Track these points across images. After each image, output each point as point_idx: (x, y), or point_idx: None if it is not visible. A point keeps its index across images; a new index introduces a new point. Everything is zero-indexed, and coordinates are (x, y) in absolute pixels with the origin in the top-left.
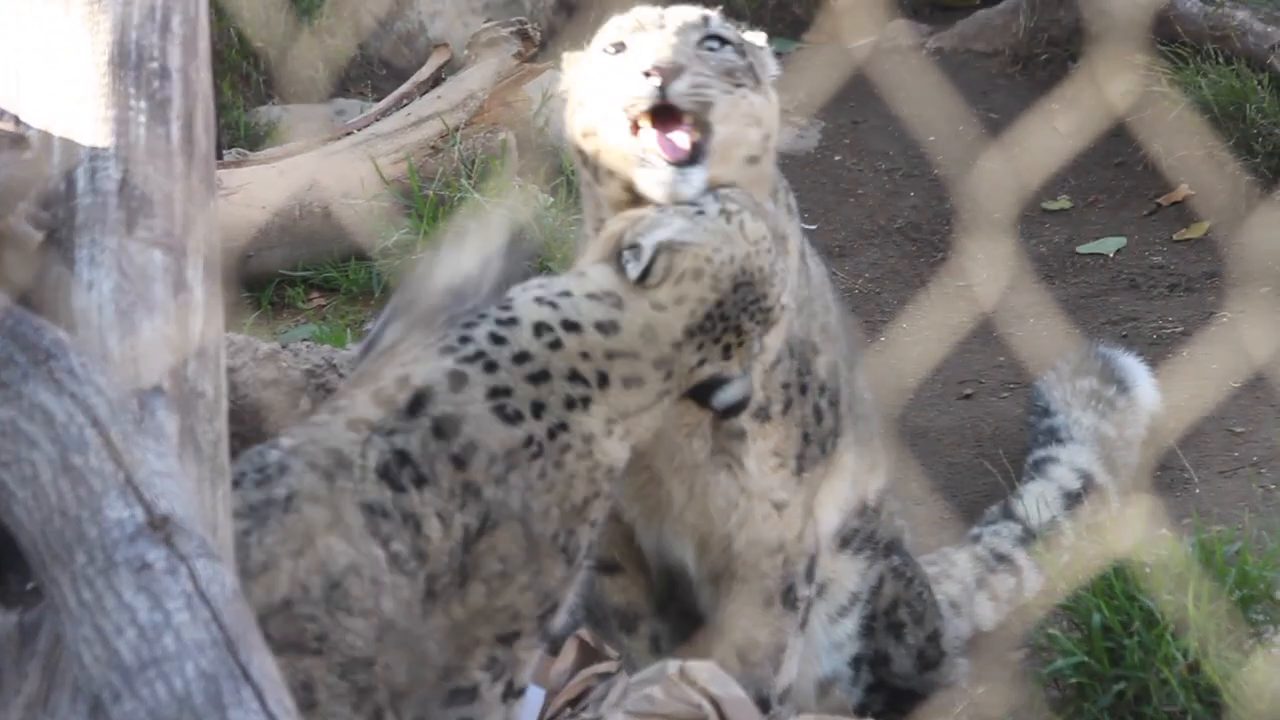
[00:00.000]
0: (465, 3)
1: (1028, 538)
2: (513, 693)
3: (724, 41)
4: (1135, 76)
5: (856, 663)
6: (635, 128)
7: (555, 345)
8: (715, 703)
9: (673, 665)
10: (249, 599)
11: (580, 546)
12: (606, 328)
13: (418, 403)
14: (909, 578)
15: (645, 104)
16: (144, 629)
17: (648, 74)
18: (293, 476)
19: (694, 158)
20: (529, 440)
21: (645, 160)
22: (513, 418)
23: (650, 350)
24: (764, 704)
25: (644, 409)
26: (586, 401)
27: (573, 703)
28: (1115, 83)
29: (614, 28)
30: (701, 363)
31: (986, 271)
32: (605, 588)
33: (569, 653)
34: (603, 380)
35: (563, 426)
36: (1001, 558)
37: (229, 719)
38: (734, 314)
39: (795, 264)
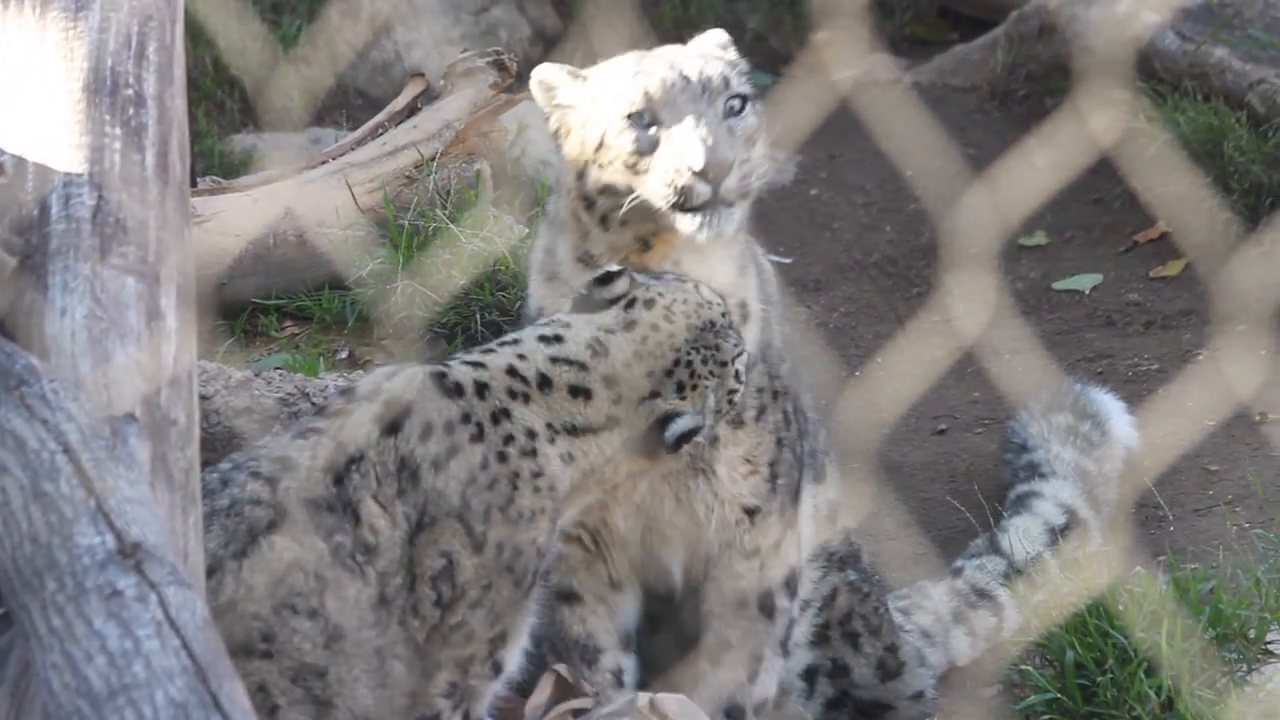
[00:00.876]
0: (442, 33)
1: (1011, 573)
2: None
3: (744, 101)
4: (1116, 113)
5: (810, 675)
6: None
7: (488, 351)
8: None
9: (642, 697)
10: None
11: (528, 569)
12: (549, 339)
13: (357, 394)
14: (865, 593)
15: (699, 201)
16: (114, 656)
17: (700, 173)
18: (234, 487)
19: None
20: (467, 417)
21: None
22: (452, 390)
23: (599, 365)
24: (738, 711)
25: (591, 429)
26: (526, 398)
27: None
28: (1096, 119)
29: (636, 87)
30: (654, 394)
31: (963, 307)
32: (565, 618)
33: (545, 687)
34: (544, 382)
35: (505, 413)
36: (983, 594)
37: None
38: (685, 350)
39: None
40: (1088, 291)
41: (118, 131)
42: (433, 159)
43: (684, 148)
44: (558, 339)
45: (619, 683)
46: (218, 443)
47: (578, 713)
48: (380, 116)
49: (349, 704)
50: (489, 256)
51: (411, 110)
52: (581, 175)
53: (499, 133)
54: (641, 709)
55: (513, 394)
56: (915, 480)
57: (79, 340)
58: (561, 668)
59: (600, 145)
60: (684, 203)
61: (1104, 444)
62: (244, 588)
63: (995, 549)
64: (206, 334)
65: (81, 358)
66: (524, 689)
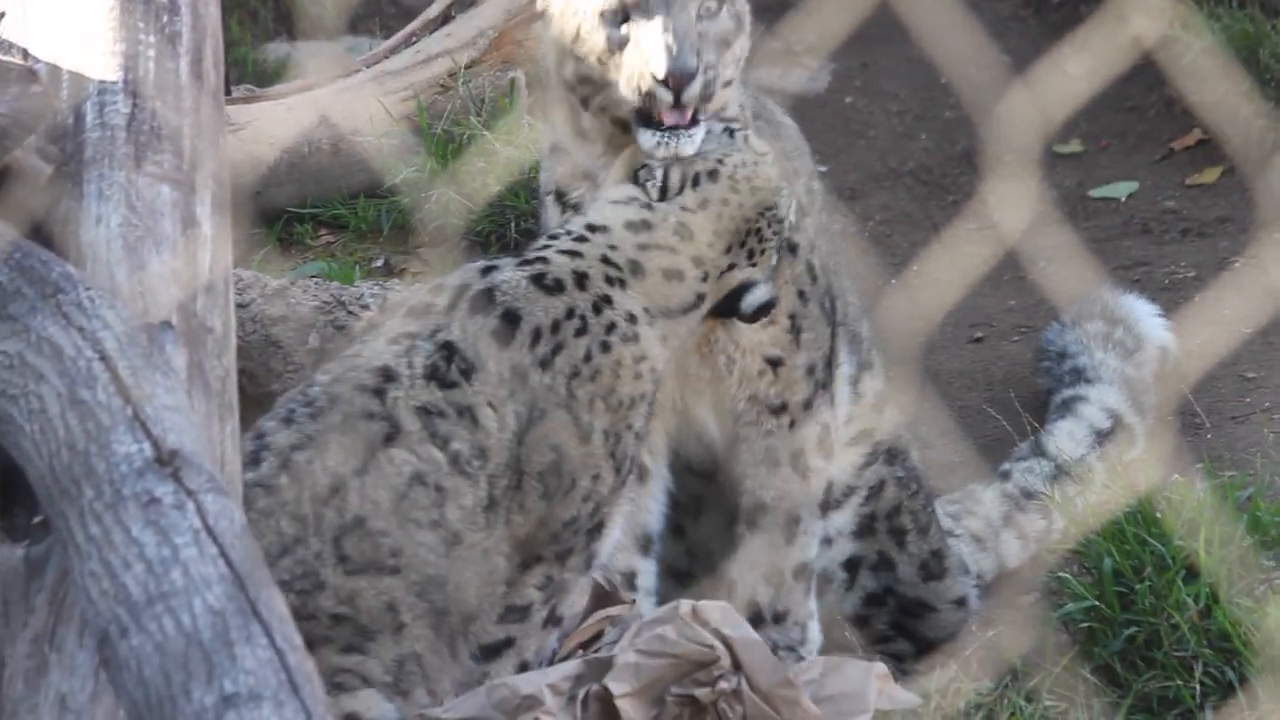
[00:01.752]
0: None
1: (1059, 475)
2: (554, 620)
3: (720, 3)
4: (1152, 19)
5: (852, 565)
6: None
7: (581, 240)
8: (728, 643)
9: (685, 605)
10: (322, 524)
11: (626, 455)
12: (637, 226)
13: (457, 296)
14: (913, 490)
15: (660, 106)
16: (151, 564)
17: (662, 80)
18: (343, 402)
19: (693, 119)
20: (571, 312)
21: (647, 123)
22: (553, 287)
23: (687, 247)
24: (778, 578)
25: (684, 309)
26: (623, 283)
27: (585, 645)
28: (1131, 25)
29: None
30: (731, 266)
31: (999, 215)
32: None
33: (583, 595)
34: (635, 268)
35: (607, 300)
36: (1031, 496)
37: (236, 655)
38: (753, 216)
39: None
40: (1124, 199)
41: (152, 39)
42: (468, 67)
43: (649, 52)
44: (645, 225)
45: (630, 585)
46: (254, 350)
47: (615, 620)
48: (414, 24)
49: (460, 607)
50: (524, 164)
51: (445, 18)
52: (560, 63)
53: (533, 40)
54: (684, 616)
55: (610, 280)
56: (952, 388)
57: (114, 248)
58: (600, 575)
59: (576, 37)
60: (648, 107)
61: (1139, 348)
62: (369, 504)
63: (1041, 452)
64: (242, 242)
65: (117, 265)
66: None
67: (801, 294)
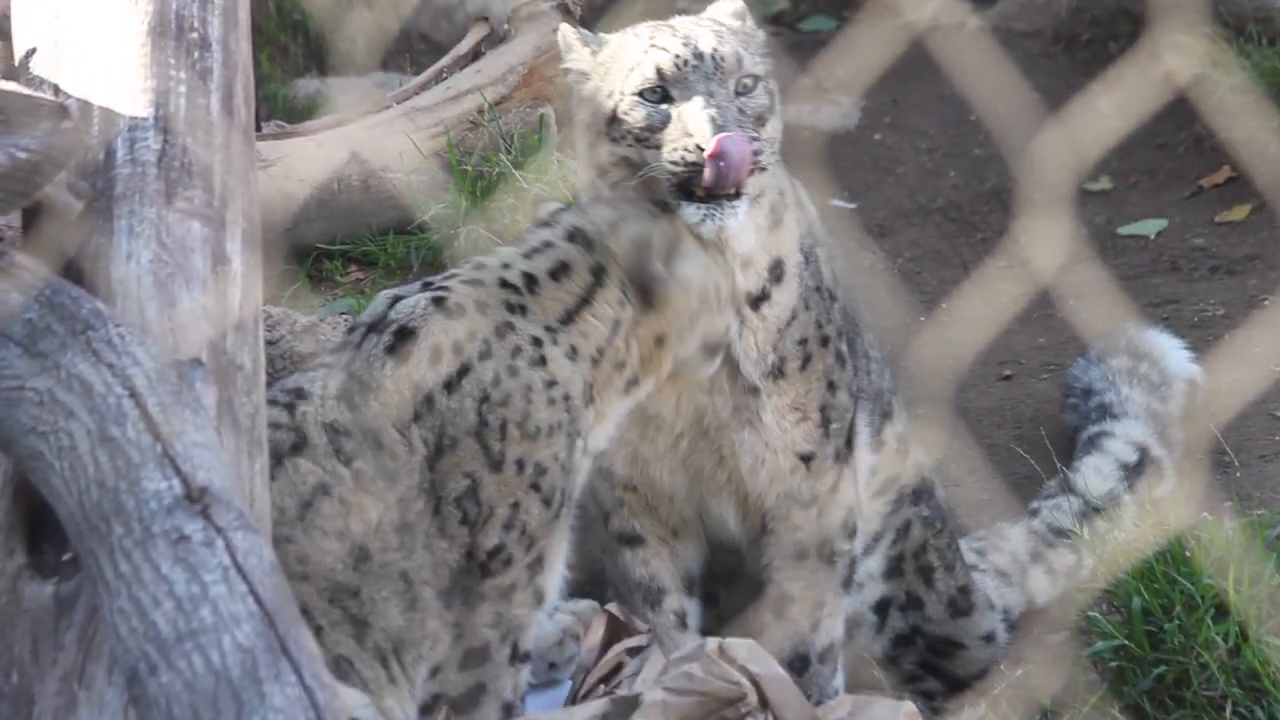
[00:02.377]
0: None
1: (1088, 512)
2: (519, 656)
3: (756, 80)
4: (1182, 57)
5: (882, 607)
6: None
7: (479, 267)
8: (755, 681)
9: (712, 642)
10: None
11: (555, 488)
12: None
13: (369, 330)
14: (939, 528)
15: (706, 181)
16: (181, 601)
17: (709, 154)
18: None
19: (736, 190)
20: (473, 334)
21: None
22: (453, 310)
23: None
24: (803, 661)
25: (583, 300)
26: (523, 309)
27: (605, 679)
28: (1161, 63)
29: (648, 62)
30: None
31: (1031, 252)
32: (627, 561)
33: (597, 628)
34: (530, 282)
35: (509, 326)
36: (1060, 532)
37: (266, 692)
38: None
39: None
40: (1153, 237)
41: (183, 75)
42: (497, 103)
43: (693, 124)
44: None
45: (682, 624)
46: None
47: (633, 651)
48: (444, 61)
49: (383, 624)
50: (553, 200)
51: (475, 54)
52: (594, 145)
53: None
54: (710, 654)
55: (510, 307)
56: (981, 426)
57: (145, 284)
58: (613, 607)
59: (612, 119)
60: (690, 181)
61: (1165, 383)
62: (276, 510)
63: (1069, 489)
64: (272, 278)
65: (147, 302)
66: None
67: (832, 384)
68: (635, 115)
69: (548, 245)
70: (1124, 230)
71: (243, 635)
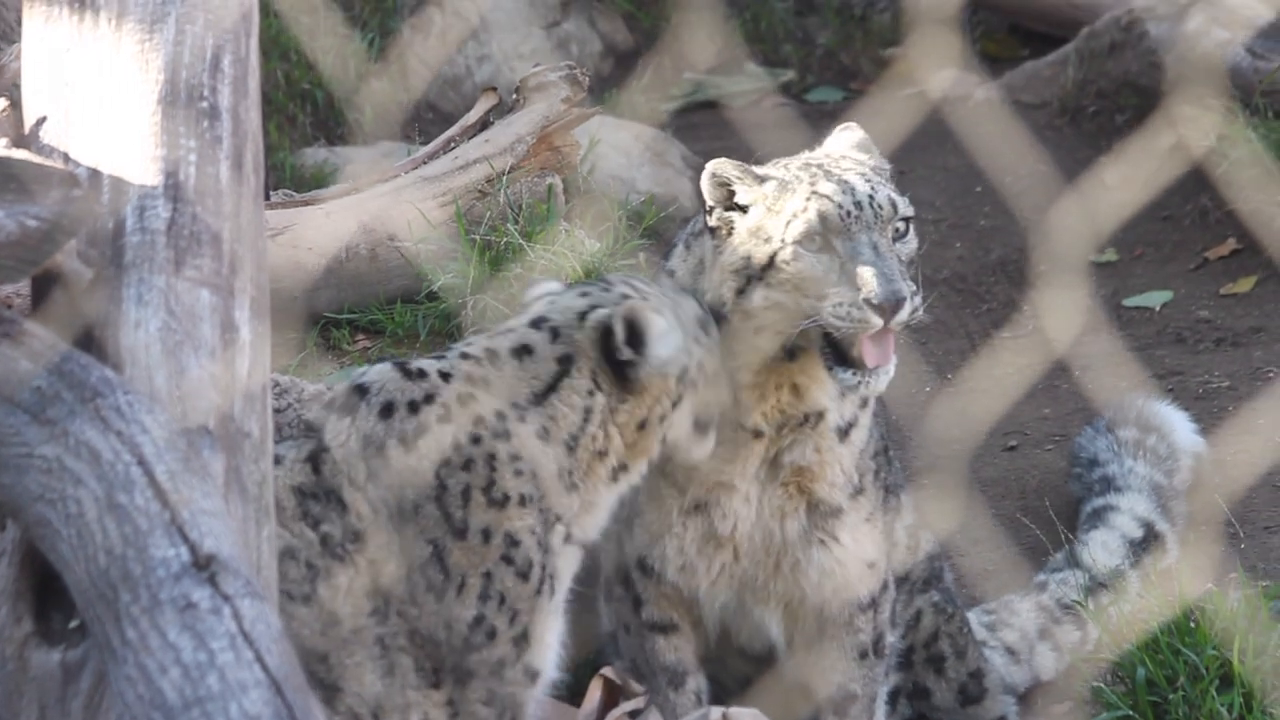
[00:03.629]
0: (512, 48)
1: (1094, 586)
2: None
3: (908, 223)
4: (1190, 130)
5: (893, 696)
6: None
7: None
8: None
9: (715, 712)
10: None
11: (531, 562)
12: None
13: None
14: (949, 613)
15: (866, 330)
16: (188, 668)
17: (876, 305)
18: None
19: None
20: (430, 396)
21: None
22: (415, 374)
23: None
24: None
25: (550, 386)
26: (486, 381)
27: None
28: (1166, 136)
29: (811, 210)
30: (592, 308)
31: (1043, 323)
32: (659, 647)
33: (594, 692)
34: (492, 355)
35: (471, 397)
36: (1067, 608)
37: None
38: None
39: None
40: (1158, 308)
41: (193, 144)
42: (505, 173)
43: (860, 278)
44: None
45: (700, 701)
46: None
47: (633, 715)
48: (453, 130)
49: (355, 689)
50: (561, 271)
51: (483, 124)
52: (743, 291)
53: (571, 147)
54: None
55: (472, 379)
56: (986, 496)
57: (153, 352)
58: (609, 670)
59: (769, 265)
60: (850, 338)
61: (1171, 456)
62: None
63: (1076, 563)
64: (280, 346)
65: (156, 370)
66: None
67: (887, 488)
68: (796, 265)
69: (511, 330)
70: (1129, 301)
71: (249, 703)
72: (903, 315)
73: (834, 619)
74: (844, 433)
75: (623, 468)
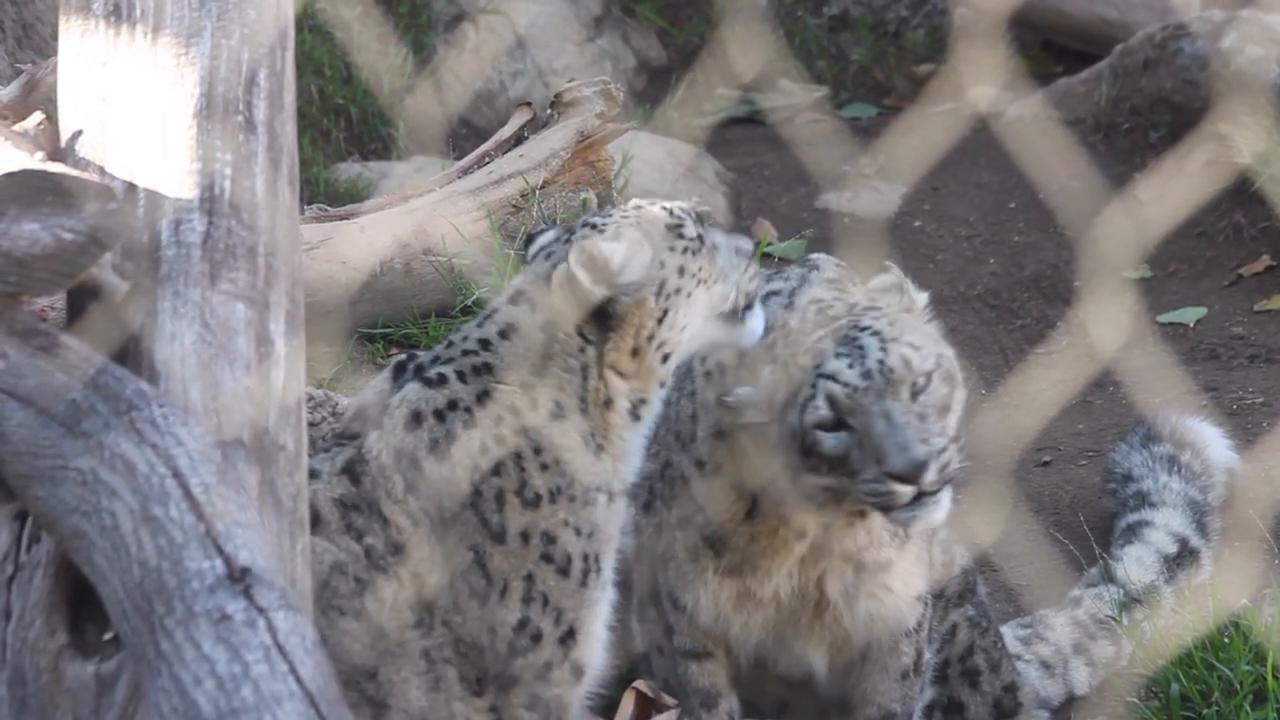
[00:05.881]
0: (546, 63)
1: (1129, 602)
2: None
3: (929, 376)
4: (1225, 146)
5: (928, 710)
6: None
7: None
8: None
9: None
10: None
11: (572, 556)
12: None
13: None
14: (984, 627)
15: (899, 500)
16: (222, 680)
17: (898, 476)
18: None
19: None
20: (454, 403)
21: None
22: (435, 381)
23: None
24: None
25: (547, 354)
26: (489, 367)
27: None
28: (1200, 152)
29: (820, 396)
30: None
31: (1067, 339)
32: (692, 672)
33: (627, 706)
34: (485, 346)
35: (486, 394)
36: (1101, 623)
37: None
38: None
39: None
40: (1192, 325)
41: (229, 157)
42: (539, 188)
43: (880, 453)
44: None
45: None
46: None
47: None
48: (487, 145)
49: (403, 705)
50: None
51: (518, 139)
52: (795, 478)
53: (605, 162)
54: None
55: (477, 370)
56: (1020, 512)
57: (188, 366)
58: (641, 683)
59: (804, 451)
60: (888, 504)
61: (1206, 472)
62: None
63: (1111, 578)
64: (315, 360)
65: (191, 383)
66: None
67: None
68: (821, 448)
69: (495, 312)
70: (1163, 318)
71: (284, 715)
72: (930, 475)
73: (879, 646)
74: None
75: (641, 402)
